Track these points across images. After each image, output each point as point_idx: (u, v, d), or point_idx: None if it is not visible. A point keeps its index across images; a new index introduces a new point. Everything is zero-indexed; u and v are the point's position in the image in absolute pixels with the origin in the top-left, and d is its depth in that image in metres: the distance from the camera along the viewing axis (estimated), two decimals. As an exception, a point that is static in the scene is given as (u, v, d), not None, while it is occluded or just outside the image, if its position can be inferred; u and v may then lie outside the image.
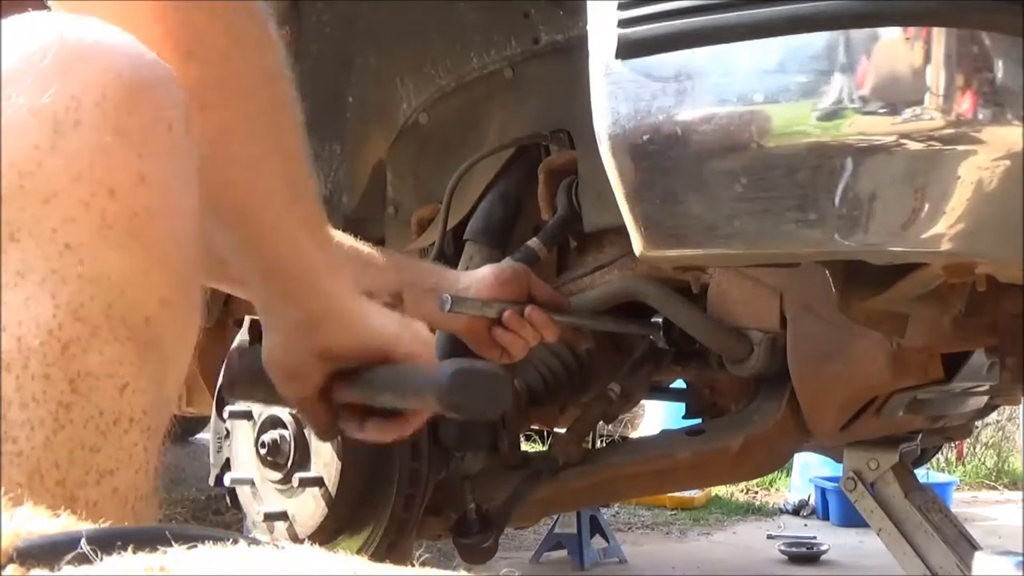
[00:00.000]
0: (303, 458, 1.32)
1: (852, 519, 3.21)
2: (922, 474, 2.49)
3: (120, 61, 0.59)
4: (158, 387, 0.62)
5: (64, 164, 0.57)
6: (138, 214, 0.58)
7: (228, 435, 1.43)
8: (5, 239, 0.56)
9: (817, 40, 0.85)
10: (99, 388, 0.58)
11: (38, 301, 0.56)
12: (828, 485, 3.61)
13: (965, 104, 0.82)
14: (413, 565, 0.42)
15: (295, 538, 1.33)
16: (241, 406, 1.38)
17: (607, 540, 2.93)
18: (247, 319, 1.43)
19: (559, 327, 1.24)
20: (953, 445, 4.94)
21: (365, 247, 1.15)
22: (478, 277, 1.24)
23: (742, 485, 4.20)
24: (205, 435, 2.40)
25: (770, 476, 4.32)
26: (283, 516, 1.34)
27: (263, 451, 1.34)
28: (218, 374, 1.37)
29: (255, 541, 0.40)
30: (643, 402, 3.10)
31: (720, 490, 4.09)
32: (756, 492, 4.36)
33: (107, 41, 0.60)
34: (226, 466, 1.44)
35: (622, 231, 1.01)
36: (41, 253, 0.56)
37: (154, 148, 0.60)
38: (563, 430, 1.50)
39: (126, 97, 0.58)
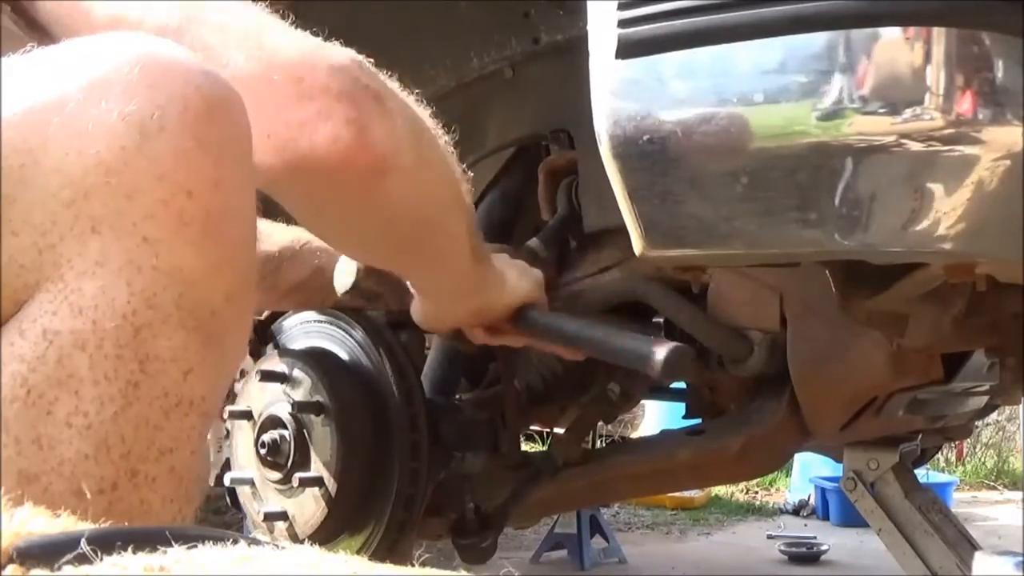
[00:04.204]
0: (303, 458, 1.32)
1: (852, 519, 3.21)
2: (922, 474, 2.49)
3: (200, 78, 0.65)
4: (216, 376, 0.67)
5: (148, 165, 0.62)
6: (211, 215, 0.64)
7: (228, 435, 1.43)
8: (87, 231, 0.61)
9: (817, 40, 0.85)
10: (166, 371, 0.63)
11: (114, 288, 0.61)
12: (828, 485, 3.61)
13: (965, 104, 0.82)
14: (413, 565, 0.42)
15: (295, 538, 1.33)
16: (241, 406, 1.38)
17: (607, 540, 2.93)
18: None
19: None
20: (953, 445, 4.95)
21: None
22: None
23: (742, 485, 4.20)
24: (205, 435, 2.39)
25: (770, 476, 4.32)
26: (283, 516, 1.34)
27: (263, 451, 1.34)
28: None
29: (255, 541, 0.40)
30: (643, 402, 3.10)
31: (720, 490, 4.09)
32: (756, 492, 4.36)
33: (187, 60, 0.66)
34: (226, 466, 1.44)
35: (622, 231, 1.01)
36: (120, 245, 0.62)
37: (228, 157, 0.65)
38: (563, 430, 1.50)
39: (206, 110, 0.64)
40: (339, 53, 0.84)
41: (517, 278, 1.19)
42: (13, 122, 0.62)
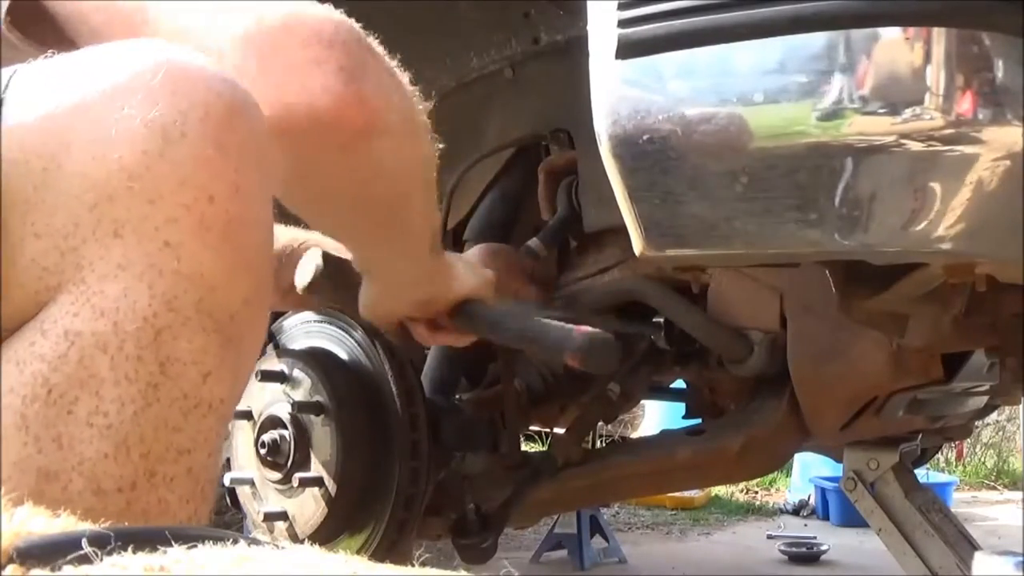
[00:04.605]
0: (303, 458, 1.32)
1: (852, 519, 3.21)
2: (922, 474, 2.49)
3: (221, 85, 0.66)
4: (234, 379, 0.68)
5: (170, 170, 0.63)
6: (232, 220, 0.65)
7: (228, 435, 1.43)
8: (110, 234, 0.62)
9: (817, 40, 0.85)
10: (185, 373, 0.64)
11: (136, 291, 0.62)
12: (828, 485, 3.61)
13: (965, 104, 0.82)
14: (413, 565, 0.42)
15: (295, 538, 1.33)
16: (241, 406, 1.38)
17: (607, 540, 2.93)
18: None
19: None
20: (953, 445, 4.95)
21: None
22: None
23: (742, 485, 4.20)
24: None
25: (770, 476, 4.32)
26: (283, 516, 1.34)
27: (263, 451, 1.34)
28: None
29: (255, 541, 0.40)
30: (643, 402, 3.10)
31: (720, 490, 4.09)
32: (756, 492, 4.36)
33: (208, 68, 0.67)
34: (226, 466, 1.44)
35: (622, 231, 1.01)
36: (142, 249, 0.63)
37: (248, 163, 0.66)
38: (563, 430, 1.50)
39: (227, 116, 0.65)
40: (333, 10, 0.82)
41: (464, 272, 1.14)
42: (36, 126, 0.62)
